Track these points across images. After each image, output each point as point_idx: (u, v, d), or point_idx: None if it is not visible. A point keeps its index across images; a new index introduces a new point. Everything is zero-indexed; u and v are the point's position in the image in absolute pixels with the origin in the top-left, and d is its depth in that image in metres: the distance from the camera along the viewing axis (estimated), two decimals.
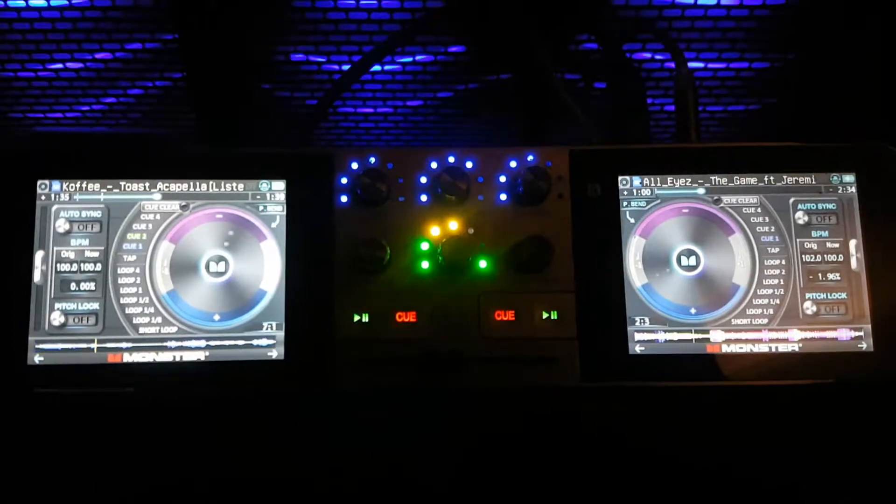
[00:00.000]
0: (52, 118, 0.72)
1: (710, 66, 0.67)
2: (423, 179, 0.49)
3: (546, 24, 0.63)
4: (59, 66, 0.67)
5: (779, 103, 0.71)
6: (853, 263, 0.49)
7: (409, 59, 0.67)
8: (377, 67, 0.67)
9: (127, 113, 0.72)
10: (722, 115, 0.73)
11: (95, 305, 0.47)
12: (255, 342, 0.47)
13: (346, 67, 0.63)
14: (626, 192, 0.49)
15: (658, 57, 0.67)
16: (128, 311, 0.47)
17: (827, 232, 0.49)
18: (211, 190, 0.48)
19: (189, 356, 0.47)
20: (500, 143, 0.75)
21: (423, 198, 0.49)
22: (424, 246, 0.48)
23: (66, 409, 0.48)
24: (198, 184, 0.48)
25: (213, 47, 0.66)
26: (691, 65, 0.66)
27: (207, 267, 0.48)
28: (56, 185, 0.48)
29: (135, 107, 0.71)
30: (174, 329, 0.47)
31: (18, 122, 0.73)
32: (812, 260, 0.49)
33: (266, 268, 0.48)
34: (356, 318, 0.47)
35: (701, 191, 0.49)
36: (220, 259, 0.48)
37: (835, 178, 0.50)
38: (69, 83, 0.69)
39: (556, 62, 0.67)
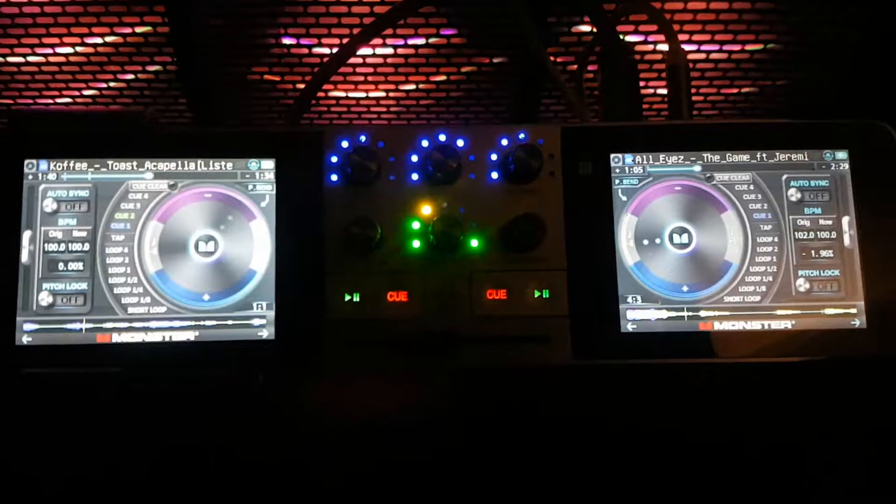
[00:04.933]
0: (42, 103, 0.72)
1: (704, 48, 0.67)
2: (414, 158, 0.49)
3: (538, 6, 0.63)
4: (49, 50, 0.67)
5: (772, 84, 0.71)
6: (846, 240, 0.48)
7: (401, 42, 0.66)
8: (368, 51, 0.66)
9: (117, 98, 0.71)
10: (715, 98, 0.72)
11: (83, 285, 0.46)
12: (245, 322, 0.47)
13: (336, 50, 0.63)
14: (617, 170, 0.49)
15: (651, 39, 0.67)
16: (116, 290, 0.46)
17: (820, 209, 0.49)
18: (199, 169, 0.48)
19: (178, 336, 0.46)
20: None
21: (414, 176, 0.49)
22: (416, 225, 0.48)
23: (54, 390, 0.48)
24: (186, 163, 0.48)
25: (203, 31, 0.66)
26: (684, 47, 0.65)
27: (196, 246, 0.47)
28: (43, 165, 0.47)
29: (125, 91, 0.71)
30: (163, 309, 0.47)
31: (7, 109, 0.72)
32: (805, 237, 0.48)
33: (256, 247, 0.47)
34: (347, 297, 0.47)
35: (696, 168, 0.49)
36: (210, 239, 0.47)
37: (828, 154, 0.49)
38: (59, 68, 0.68)
39: (549, 44, 0.67)
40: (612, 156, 0.49)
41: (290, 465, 0.53)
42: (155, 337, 0.46)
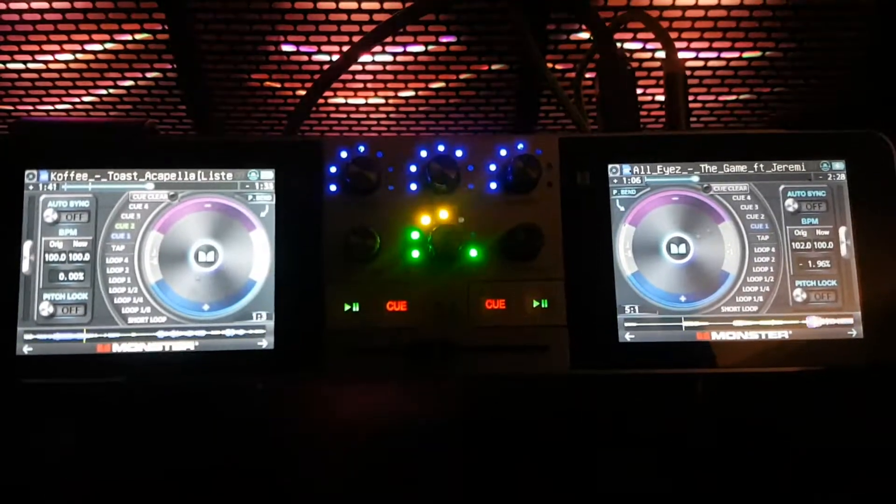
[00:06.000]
0: (42, 110, 0.72)
1: (701, 55, 0.68)
2: (413, 168, 0.49)
3: (537, 14, 0.63)
4: (49, 57, 0.67)
5: (770, 93, 0.71)
6: (843, 251, 0.49)
7: (400, 49, 0.66)
8: (367, 58, 0.67)
9: (117, 105, 0.72)
10: (713, 105, 0.73)
11: (84, 296, 0.47)
12: (244, 332, 0.47)
13: (336, 58, 0.63)
14: (615, 181, 0.49)
15: (649, 47, 0.67)
16: (116, 301, 0.47)
17: (817, 219, 0.49)
18: (199, 179, 0.48)
19: (178, 346, 0.46)
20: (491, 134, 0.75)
21: (413, 186, 0.49)
22: (414, 235, 0.48)
23: (54, 400, 0.48)
24: (186, 173, 0.48)
25: (203, 38, 0.66)
26: (682, 54, 0.66)
27: (196, 257, 0.48)
28: (44, 175, 0.47)
29: (125, 99, 0.71)
30: (163, 319, 0.47)
31: (8, 115, 0.73)
32: (802, 247, 0.49)
33: (255, 257, 0.48)
34: (346, 307, 0.47)
35: (694, 178, 0.49)
36: (210, 249, 0.48)
37: (825, 165, 0.49)
38: (59, 75, 0.68)
39: (547, 52, 0.67)
40: (609, 166, 0.49)
41: (289, 473, 0.53)
42: (155, 347, 0.46)
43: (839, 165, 0.49)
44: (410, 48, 0.66)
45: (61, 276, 0.47)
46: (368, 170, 0.48)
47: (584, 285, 0.48)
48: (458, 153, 0.49)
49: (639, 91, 0.60)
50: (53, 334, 0.46)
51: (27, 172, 0.47)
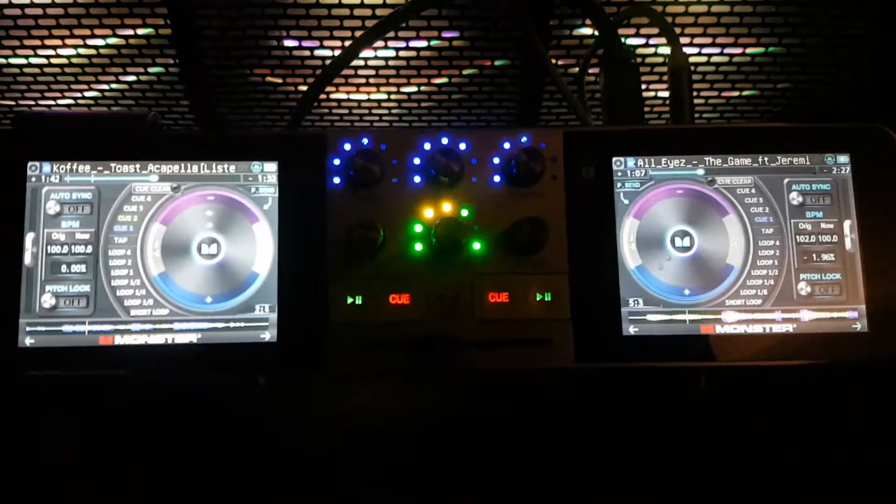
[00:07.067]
0: (44, 105, 0.72)
1: (705, 50, 0.67)
2: (417, 161, 0.49)
3: (541, 9, 0.63)
4: (51, 52, 0.67)
5: (773, 88, 0.71)
6: (847, 244, 0.48)
7: (403, 45, 0.66)
8: (370, 53, 0.67)
9: (119, 100, 0.71)
10: (716, 101, 0.72)
11: (86, 288, 0.46)
12: (247, 325, 0.47)
13: (338, 53, 0.63)
14: (619, 174, 0.49)
15: (652, 42, 0.67)
16: (119, 293, 0.46)
17: (821, 212, 0.49)
18: (202, 171, 0.48)
19: (181, 339, 0.46)
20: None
21: (417, 179, 0.49)
22: (418, 228, 0.48)
23: (57, 392, 0.48)
24: (189, 165, 0.48)
25: (205, 33, 0.66)
26: (686, 50, 0.65)
27: (199, 249, 0.47)
28: (46, 167, 0.47)
29: (127, 93, 0.71)
30: (166, 311, 0.47)
31: (9, 111, 0.72)
32: (806, 241, 0.48)
33: (258, 250, 0.47)
34: (349, 300, 0.47)
35: (698, 171, 0.49)
36: (212, 241, 0.48)
37: (829, 158, 0.49)
38: (61, 70, 0.68)
39: (550, 47, 0.67)
40: (614, 159, 0.49)
41: (290, 467, 0.53)
42: (157, 339, 0.46)
43: (844, 159, 0.49)
44: (413, 43, 0.66)
45: (64, 268, 0.46)
46: (372, 162, 0.47)
47: (588, 278, 0.48)
48: (462, 146, 0.49)
49: (642, 87, 0.60)
50: (56, 326, 0.46)
51: (30, 164, 0.47)
